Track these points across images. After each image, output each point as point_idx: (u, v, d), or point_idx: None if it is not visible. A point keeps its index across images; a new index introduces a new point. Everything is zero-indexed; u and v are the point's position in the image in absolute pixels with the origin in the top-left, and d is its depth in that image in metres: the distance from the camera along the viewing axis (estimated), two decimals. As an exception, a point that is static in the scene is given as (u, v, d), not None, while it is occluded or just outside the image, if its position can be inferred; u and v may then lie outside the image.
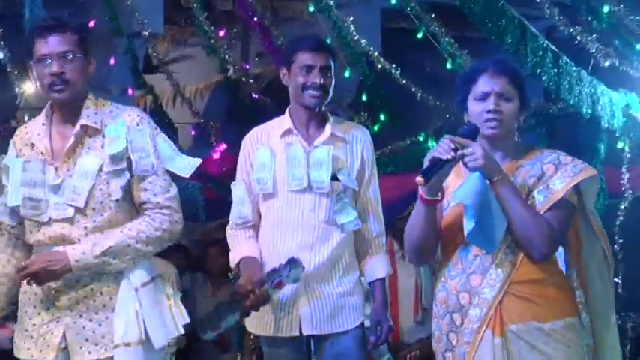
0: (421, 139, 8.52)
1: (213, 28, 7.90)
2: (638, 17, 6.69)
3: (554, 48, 6.87)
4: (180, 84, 8.80)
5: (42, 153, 3.43)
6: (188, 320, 3.52)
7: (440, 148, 3.17)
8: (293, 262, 3.66)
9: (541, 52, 6.77)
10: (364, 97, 7.80)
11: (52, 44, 3.35)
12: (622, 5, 6.71)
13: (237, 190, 3.94)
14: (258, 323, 3.86)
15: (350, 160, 3.92)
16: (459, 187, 3.22)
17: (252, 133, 4.02)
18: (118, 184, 3.37)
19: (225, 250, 7.35)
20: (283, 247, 3.84)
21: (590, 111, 6.63)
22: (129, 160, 3.39)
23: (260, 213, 3.95)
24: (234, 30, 9.03)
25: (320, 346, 3.85)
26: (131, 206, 3.43)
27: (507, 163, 3.30)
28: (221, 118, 9.27)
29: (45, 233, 3.39)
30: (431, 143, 8.58)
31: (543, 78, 6.30)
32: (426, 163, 3.17)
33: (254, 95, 8.54)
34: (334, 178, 3.85)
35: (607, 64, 6.76)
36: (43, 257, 3.29)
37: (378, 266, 3.98)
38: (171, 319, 3.43)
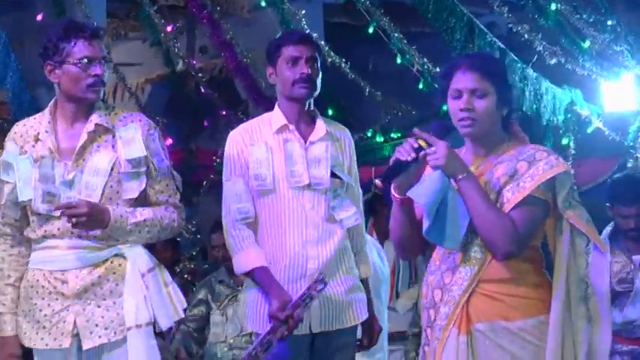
0: (369, 134, 8.62)
1: (163, 21, 7.85)
2: (584, 16, 6.83)
3: (501, 44, 7.00)
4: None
5: (50, 149, 3.52)
6: (186, 305, 3.70)
7: (402, 149, 3.13)
8: (321, 281, 3.64)
9: (488, 49, 6.89)
10: (312, 92, 7.80)
11: (97, 48, 3.49)
12: (569, 4, 6.85)
13: (235, 186, 3.82)
14: (265, 324, 3.72)
15: (341, 156, 3.91)
16: (417, 185, 3.18)
17: (242, 129, 3.92)
18: (136, 186, 3.54)
19: (173, 244, 7.35)
20: (289, 245, 3.78)
21: (535, 107, 6.77)
22: (146, 163, 3.55)
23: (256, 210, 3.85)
24: (178, 25, 8.97)
25: (323, 340, 3.81)
26: (135, 204, 3.56)
27: (489, 159, 3.25)
28: (162, 112, 9.21)
29: (54, 224, 3.49)
30: (379, 138, 8.70)
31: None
32: (390, 164, 3.15)
33: (201, 89, 8.51)
34: (333, 174, 3.82)
35: (553, 61, 6.89)
36: (90, 204, 3.40)
37: (365, 265, 3.99)
38: (172, 303, 3.58)
